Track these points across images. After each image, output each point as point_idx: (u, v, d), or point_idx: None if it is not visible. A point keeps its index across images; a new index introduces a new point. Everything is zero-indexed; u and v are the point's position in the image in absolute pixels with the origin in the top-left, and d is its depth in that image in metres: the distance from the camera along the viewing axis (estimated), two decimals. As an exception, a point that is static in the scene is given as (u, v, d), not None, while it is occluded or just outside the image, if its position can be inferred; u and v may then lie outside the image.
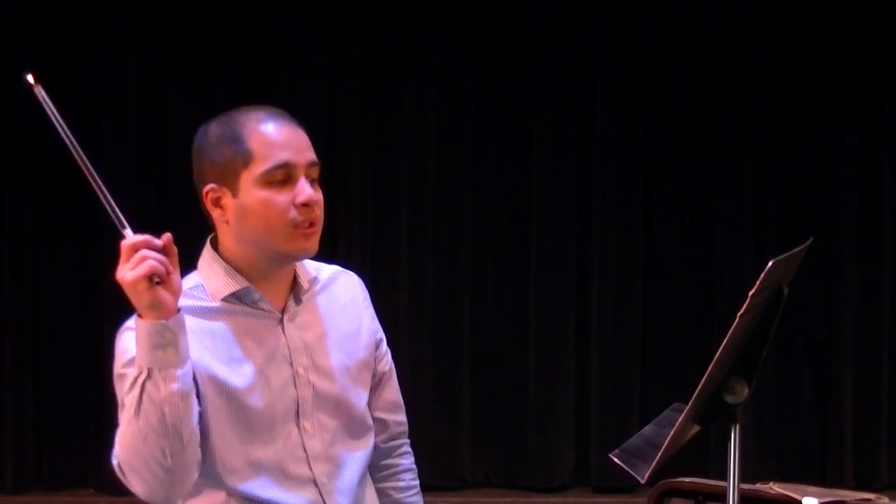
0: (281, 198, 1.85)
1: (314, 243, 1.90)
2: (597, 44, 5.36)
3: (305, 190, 1.86)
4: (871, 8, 5.33)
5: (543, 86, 5.35)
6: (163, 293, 1.67)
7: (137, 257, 1.68)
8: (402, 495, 2.11)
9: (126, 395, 1.71)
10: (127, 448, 1.71)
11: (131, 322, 1.86)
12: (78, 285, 5.29)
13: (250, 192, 1.86)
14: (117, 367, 1.82)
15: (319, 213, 1.90)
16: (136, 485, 1.74)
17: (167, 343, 1.68)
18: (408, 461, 2.15)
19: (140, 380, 1.68)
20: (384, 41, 5.35)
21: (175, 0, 5.31)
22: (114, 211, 1.74)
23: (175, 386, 1.68)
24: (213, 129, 1.91)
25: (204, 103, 5.03)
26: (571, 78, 5.37)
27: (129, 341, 1.79)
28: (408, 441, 2.16)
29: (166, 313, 1.68)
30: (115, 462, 1.74)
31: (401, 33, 5.35)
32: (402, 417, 2.14)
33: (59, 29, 5.24)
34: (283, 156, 1.86)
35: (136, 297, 1.67)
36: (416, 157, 5.35)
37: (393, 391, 2.12)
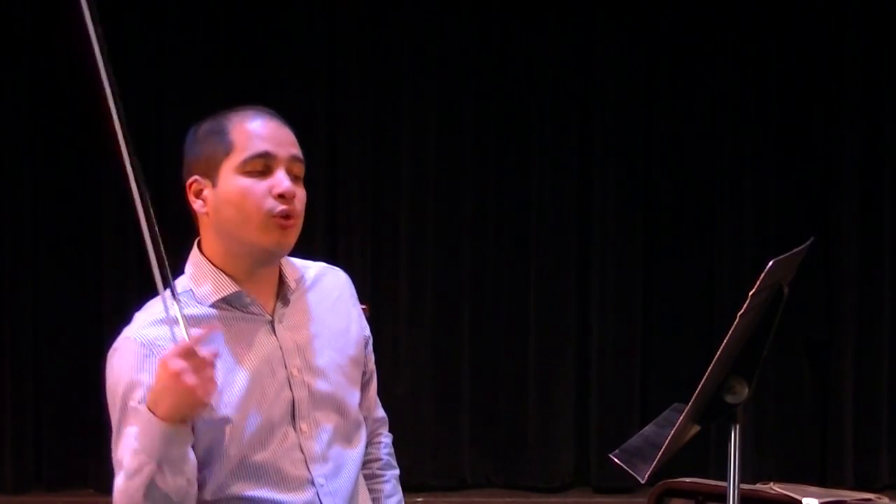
0: (258, 186, 1.86)
1: (290, 238, 1.90)
2: (597, 44, 5.36)
3: (284, 182, 1.87)
4: (871, 9, 5.33)
5: (544, 86, 5.35)
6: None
7: (208, 373, 1.66)
8: (368, 482, 2.12)
9: (128, 479, 1.72)
10: None
11: (122, 341, 1.86)
12: (78, 286, 5.29)
13: (229, 180, 1.87)
14: (110, 389, 1.82)
15: (300, 207, 1.89)
16: None
17: (181, 441, 1.69)
18: (381, 451, 2.16)
19: (147, 471, 1.69)
20: (384, 42, 5.34)
21: (174, 0, 5.31)
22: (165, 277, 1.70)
23: (184, 479, 1.71)
24: (201, 127, 1.95)
25: (204, 104, 4.99)
26: (571, 78, 5.36)
27: (123, 366, 1.81)
28: (385, 432, 2.18)
29: (190, 421, 1.70)
30: None
31: (401, 34, 5.35)
32: (381, 413, 2.18)
33: (58, 30, 5.24)
34: (263, 146, 1.88)
35: (183, 408, 1.67)
36: (416, 158, 5.35)
37: (374, 388, 2.15)
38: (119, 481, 1.74)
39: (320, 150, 5.16)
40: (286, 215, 1.86)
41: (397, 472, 2.17)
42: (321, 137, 5.21)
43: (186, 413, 1.67)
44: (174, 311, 1.71)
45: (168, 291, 1.72)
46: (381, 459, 2.15)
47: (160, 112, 5.26)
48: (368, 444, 2.12)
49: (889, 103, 5.35)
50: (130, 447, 1.72)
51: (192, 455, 1.74)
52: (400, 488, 2.16)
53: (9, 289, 5.26)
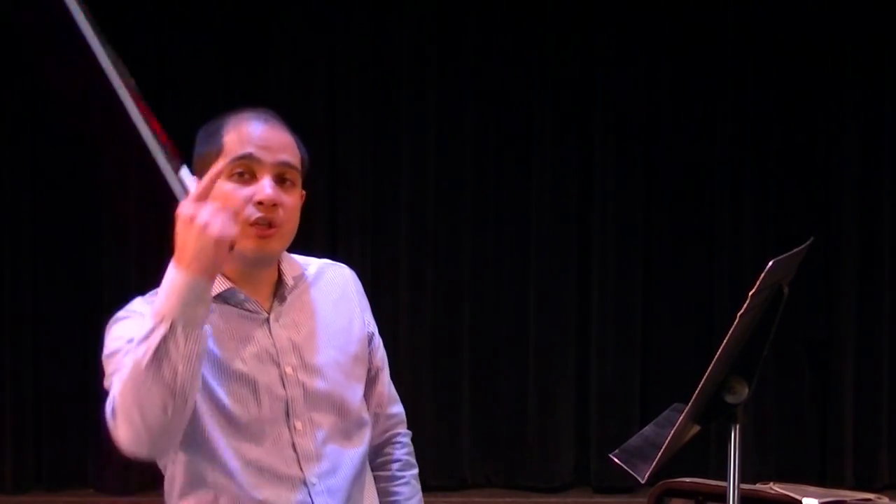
0: (239, 192, 1.84)
1: (271, 245, 1.88)
2: (597, 43, 5.36)
3: (265, 189, 1.84)
4: (871, 10, 5.33)
5: (544, 85, 5.35)
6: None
7: (231, 211, 1.66)
8: (387, 484, 2.10)
9: (137, 345, 1.64)
10: (128, 395, 1.64)
11: (122, 312, 1.85)
12: (78, 285, 5.29)
13: (217, 184, 1.85)
14: (109, 347, 1.79)
15: (284, 215, 1.86)
16: (124, 432, 1.67)
17: (200, 301, 1.64)
18: (399, 451, 2.13)
19: (160, 332, 1.62)
20: (384, 42, 5.35)
21: (174, 1, 5.31)
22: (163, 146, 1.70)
23: (197, 346, 1.64)
24: (205, 127, 1.95)
25: (204, 104, 5.03)
26: (572, 77, 5.37)
27: (123, 329, 1.78)
28: (403, 431, 2.15)
29: (214, 274, 1.66)
30: (109, 408, 1.68)
31: (401, 34, 5.35)
32: (396, 409, 2.13)
33: (58, 30, 5.24)
34: (246, 149, 1.86)
35: (206, 250, 1.63)
36: (416, 158, 5.36)
37: (385, 384, 2.11)
38: (123, 357, 1.68)
39: (320, 150, 5.16)
40: (266, 223, 1.85)
41: (416, 471, 2.15)
42: (321, 137, 5.21)
43: (209, 254, 1.62)
44: (172, 173, 1.70)
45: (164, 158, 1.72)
46: (400, 460, 2.12)
47: (160, 113, 5.24)
48: (386, 443, 2.11)
49: (889, 103, 5.35)
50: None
51: (207, 331, 1.69)
52: (419, 487, 2.14)
53: (9, 289, 5.27)
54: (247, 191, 1.85)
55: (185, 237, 1.64)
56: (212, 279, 1.66)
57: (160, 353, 1.62)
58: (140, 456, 1.71)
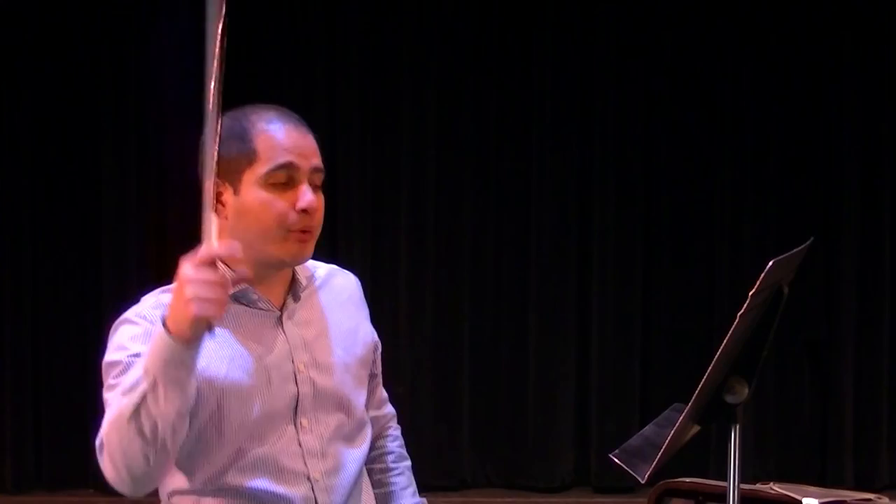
0: (281, 201, 1.86)
1: (309, 249, 1.91)
2: (598, 44, 5.36)
3: (307, 196, 1.86)
4: (871, 10, 5.33)
5: (544, 85, 5.35)
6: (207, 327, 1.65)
7: (224, 294, 1.61)
8: (382, 476, 2.13)
9: (123, 395, 1.68)
10: (112, 440, 1.68)
11: (131, 314, 1.85)
12: (78, 285, 5.29)
13: (251, 191, 1.86)
14: (111, 356, 1.80)
15: (319, 219, 1.90)
16: (108, 470, 1.71)
17: (182, 364, 1.64)
18: (392, 444, 2.16)
19: (142, 388, 1.64)
20: (384, 42, 5.35)
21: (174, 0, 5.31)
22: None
23: (175, 406, 1.65)
24: (223, 123, 1.90)
25: (203, 103, 5.02)
26: (572, 78, 5.37)
27: (127, 337, 1.79)
28: (393, 425, 2.19)
29: (198, 342, 1.65)
30: (98, 442, 1.71)
31: (401, 34, 5.35)
32: (388, 408, 2.18)
33: (59, 29, 5.24)
34: (286, 158, 1.87)
35: (184, 323, 1.61)
36: (416, 158, 5.36)
37: (381, 388, 2.16)
38: (114, 401, 1.70)
39: (320, 150, 5.15)
40: (307, 230, 1.87)
41: (409, 462, 2.18)
42: (321, 137, 5.19)
43: (186, 328, 1.61)
44: (210, 219, 1.66)
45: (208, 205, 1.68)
46: (393, 452, 2.16)
47: (161, 111, 5.25)
48: (378, 437, 2.14)
49: (889, 104, 5.35)
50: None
51: (191, 392, 1.69)
52: (413, 479, 2.17)
53: (9, 288, 5.26)
54: (287, 198, 1.86)
55: (174, 299, 1.63)
56: (191, 348, 1.64)
57: (140, 408, 1.65)
58: (123, 493, 1.75)
